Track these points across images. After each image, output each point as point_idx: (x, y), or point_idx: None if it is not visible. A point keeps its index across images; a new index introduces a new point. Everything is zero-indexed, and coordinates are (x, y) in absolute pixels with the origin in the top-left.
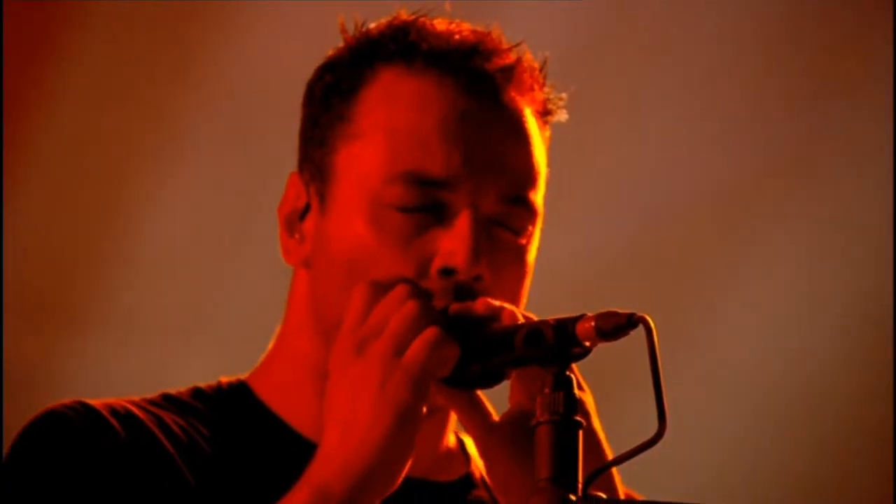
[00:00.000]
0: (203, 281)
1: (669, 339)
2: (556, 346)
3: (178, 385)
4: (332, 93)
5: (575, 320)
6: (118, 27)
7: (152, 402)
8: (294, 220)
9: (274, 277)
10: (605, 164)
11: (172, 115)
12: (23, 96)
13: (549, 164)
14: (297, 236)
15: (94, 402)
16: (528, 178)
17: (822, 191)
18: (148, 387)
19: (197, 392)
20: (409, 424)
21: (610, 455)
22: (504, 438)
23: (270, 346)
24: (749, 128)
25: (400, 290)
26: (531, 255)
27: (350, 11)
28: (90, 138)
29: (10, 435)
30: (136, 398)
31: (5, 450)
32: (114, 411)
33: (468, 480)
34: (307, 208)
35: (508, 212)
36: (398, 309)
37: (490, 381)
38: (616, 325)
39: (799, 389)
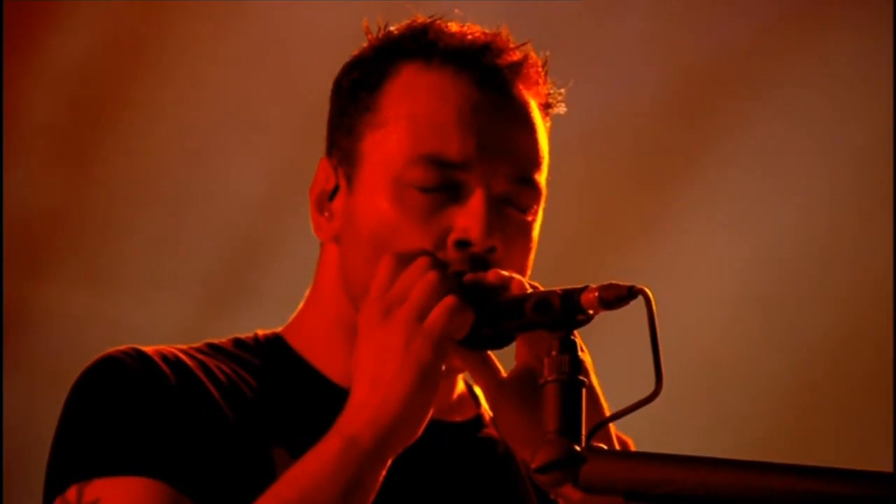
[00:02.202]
0: (162, 236)
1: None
2: (563, 313)
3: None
4: (359, 87)
5: (580, 291)
6: None
7: (198, 349)
8: (324, 200)
9: (227, 237)
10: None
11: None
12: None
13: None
14: (326, 214)
15: (146, 348)
16: (534, 161)
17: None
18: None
19: (237, 341)
20: (430, 381)
21: (606, 408)
22: (511, 392)
23: (301, 306)
24: None
25: (422, 262)
26: (535, 231)
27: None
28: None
29: None
30: (184, 346)
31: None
32: (164, 357)
33: (479, 420)
34: (336, 189)
35: (516, 191)
36: (420, 278)
37: (500, 343)
38: (618, 296)
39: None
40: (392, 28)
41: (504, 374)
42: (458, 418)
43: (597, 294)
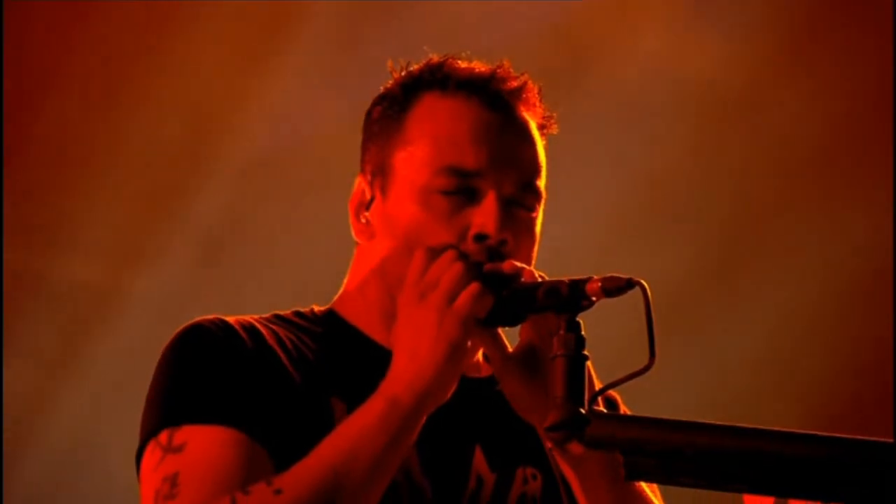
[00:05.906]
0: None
1: None
2: (570, 299)
3: None
4: (387, 114)
5: (585, 281)
6: None
7: (267, 319)
8: (361, 209)
9: None
10: None
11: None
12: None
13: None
14: (363, 221)
15: (228, 317)
16: (535, 169)
17: None
18: None
19: (298, 313)
20: (458, 353)
21: (595, 377)
22: (516, 364)
23: (342, 290)
24: None
25: (449, 254)
26: (538, 228)
27: None
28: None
29: None
30: (256, 316)
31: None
32: (242, 325)
33: (495, 377)
34: (371, 199)
35: (521, 194)
36: (449, 268)
37: (515, 322)
38: (618, 286)
39: None
40: (413, 67)
41: (510, 348)
42: (479, 375)
43: (600, 284)
